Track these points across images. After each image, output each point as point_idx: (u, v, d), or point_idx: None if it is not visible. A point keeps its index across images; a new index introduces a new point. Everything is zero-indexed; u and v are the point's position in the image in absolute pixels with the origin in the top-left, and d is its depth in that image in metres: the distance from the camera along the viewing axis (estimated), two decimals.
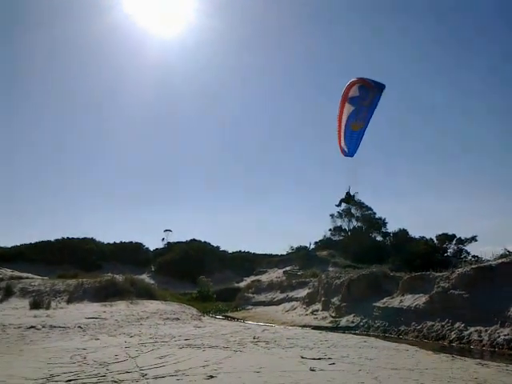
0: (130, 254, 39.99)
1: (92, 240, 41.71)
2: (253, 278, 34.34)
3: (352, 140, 13.32)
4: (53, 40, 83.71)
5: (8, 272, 26.78)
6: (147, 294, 19.74)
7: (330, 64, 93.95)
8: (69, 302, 17.89)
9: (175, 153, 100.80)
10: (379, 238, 43.98)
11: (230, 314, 20.47)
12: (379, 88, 12.63)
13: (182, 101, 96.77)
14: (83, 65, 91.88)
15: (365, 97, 12.86)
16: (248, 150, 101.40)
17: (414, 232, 41.40)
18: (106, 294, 18.63)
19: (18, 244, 39.82)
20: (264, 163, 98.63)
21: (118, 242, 43.33)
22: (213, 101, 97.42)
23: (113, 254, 39.46)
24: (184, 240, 44.20)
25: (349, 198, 15.63)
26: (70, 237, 41.40)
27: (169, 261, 37.51)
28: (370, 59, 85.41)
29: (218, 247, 43.68)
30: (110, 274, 22.62)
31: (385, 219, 43.92)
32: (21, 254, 36.44)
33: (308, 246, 41.83)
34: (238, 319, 18.48)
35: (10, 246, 39.91)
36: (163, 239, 45.75)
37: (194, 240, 43.71)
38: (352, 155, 13.60)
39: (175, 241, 44.98)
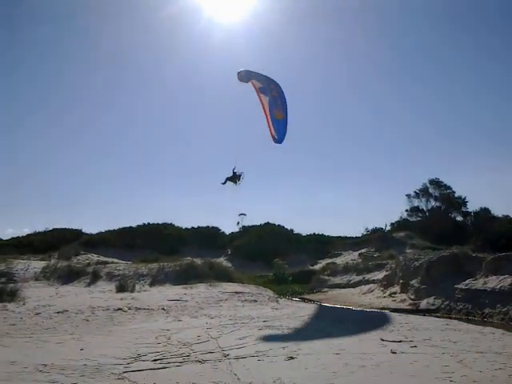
0: (208, 238, 40.96)
1: (171, 225, 43.12)
2: (328, 260, 34.17)
3: (279, 128, 14.35)
4: (119, 30, 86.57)
5: (94, 257, 28.41)
6: (225, 276, 20.23)
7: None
8: (151, 285, 18.71)
9: (248, 137, 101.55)
10: (459, 218, 42.21)
11: (306, 296, 20.57)
12: (263, 78, 14.06)
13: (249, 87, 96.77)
14: (151, 55, 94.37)
15: (268, 87, 14.28)
16: (318, 133, 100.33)
17: (497, 211, 39.53)
18: (186, 277, 19.29)
19: (103, 230, 42.06)
20: (334, 146, 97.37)
21: (195, 226, 44.58)
22: (285, 83, 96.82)
23: (191, 239, 40.60)
24: (258, 224, 44.72)
25: (235, 177, 15.93)
26: (151, 222, 43.19)
27: (244, 244, 38.10)
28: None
29: (291, 230, 43.72)
30: (189, 258, 23.35)
31: (465, 198, 42.06)
32: (105, 240, 38.37)
33: (384, 227, 41.03)
34: (314, 301, 18.55)
35: (95, 232, 42.34)
36: (238, 223, 46.36)
37: (268, 223, 44.01)
38: (280, 142, 14.62)
39: (250, 224, 45.59)
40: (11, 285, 16.31)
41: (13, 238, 43.71)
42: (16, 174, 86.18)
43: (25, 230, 54.94)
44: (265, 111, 14.81)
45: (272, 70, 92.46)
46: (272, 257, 31.64)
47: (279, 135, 14.62)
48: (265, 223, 44.04)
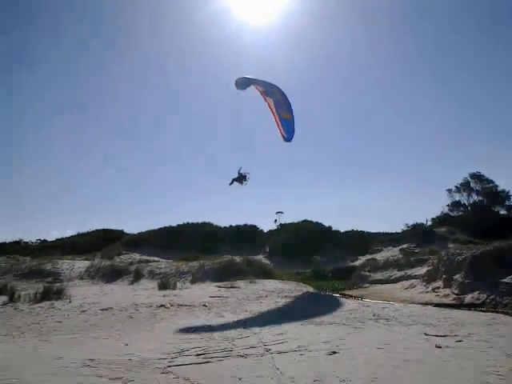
0: (246, 236, 41.08)
1: (210, 224, 43.52)
2: (368, 256, 33.77)
3: (288, 127, 14.98)
4: (154, 32, 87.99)
5: (137, 256, 29.03)
6: (264, 273, 20.28)
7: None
8: (192, 282, 18.93)
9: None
10: (503, 212, 41.02)
11: (346, 292, 20.40)
12: (264, 83, 14.56)
13: (284, 86, 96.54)
14: (184, 58, 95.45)
15: (270, 90, 14.81)
16: (354, 130, 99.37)
17: None
18: (226, 274, 19.45)
19: (144, 230, 42.79)
20: (373, 141, 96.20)
21: (233, 225, 44.87)
22: (315, 84, 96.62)
23: (229, 237, 40.85)
24: (296, 221, 44.58)
25: (240, 178, 16.49)
26: (190, 222, 43.71)
27: (282, 242, 38.04)
28: None
29: (329, 227, 43.40)
30: (228, 256, 23.51)
31: (508, 192, 40.83)
32: (146, 240, 39.05)
33: (424, 222, 40.23)
34: (355, 297, 18.36)
35: (136, 232, 43.12)
36: (275, 221, 46.52)
37: (305, 221, 43.85)
38: (290, 140, 15.29)
39: (287, 222, 45.55)
40: (57, 284, 16.83)
41: (57, 239, 45.18)
42: (58, 178, 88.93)
43: (68, 232, 56.64)
44: (272, 111, 15.31)
45: (301, 69, 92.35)
46: (310, 254, 31.55)
47: (288, 134, 15.16)
48: (302, 220, 43.89)
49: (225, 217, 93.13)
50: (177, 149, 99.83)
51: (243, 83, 14.50)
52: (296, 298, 14.29)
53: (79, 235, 43.44)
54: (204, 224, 43.07)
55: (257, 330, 8.54)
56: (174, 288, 16.76)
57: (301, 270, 28.90)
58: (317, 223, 43.58)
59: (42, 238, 47.81)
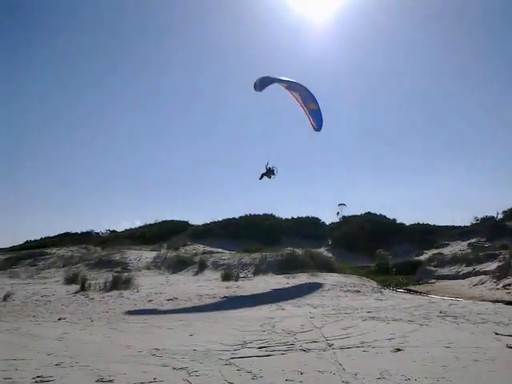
0: (308, 229, 40.99)
1: (272, 216, 43.75)
2: (434, 250, 32.75)
3: (317, 117, 15.62)
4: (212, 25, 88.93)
5: (201, 247, 29.61)
6: (326, 266, 20.13)
7: None
8: (255, 274, 19.11)
9: (345, 128, 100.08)
10: None
11: (411, 288, 19.90)
12: (283, 80, 15.23)
13: (343, 81, 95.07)
14: (242, 51, 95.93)
15: (292, 85, 15.53)
16: (419, 121, 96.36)
17: None
18: (288, 266, 19.47)
19: (208, 222, 43.66)
20: (439, 134, 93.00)
21: (295, 217, 44.80)
22: (378, 78, 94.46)
23: (291, 229, 40.87)
24: (359, 213, 43.98)
25: (268, 172, 17.00)
26: (253, 214, 44.13)
27: (345, 234, 37.65)
28: None
29: (394, 220, 42.45)
30: (290, 248, 23.53)
31: None
32: (210, 231, 39.83)
33: (495, 215, 38.52)
34: (420, 293, 17.87)
35: (201, 223, 44.06)
36: (338, 213, 46.09)
37: (369, 213, 43.15)
38: (319, 130, 15.85)
39: (350, 214, 45.01)
40: (126, 273, 17.48)
41: (126, 229, 46.95)
42: (127, 172, 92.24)
43: (137, 223, 58.73)
44: (300, 104, 15.78)
45: (359, 65, 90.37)
46: (374, 247, 31.03)
47: (317, 124, 15.76)
48: (365, 213, 43.26)
49: (287, 209, 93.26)
50: (238, 141, 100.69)
51: (262, 84, 14.76)
52: (358, 293, 14.10)
53: (147, 226, 44.89)
54: (266, 216, 43.35)
55: (319, 324, 8.50)
56: (236, 279, 16.99)
57: (364, 264, 28.46)
58: (380, 216, 42.78)
59: (111, 229, 49.93)
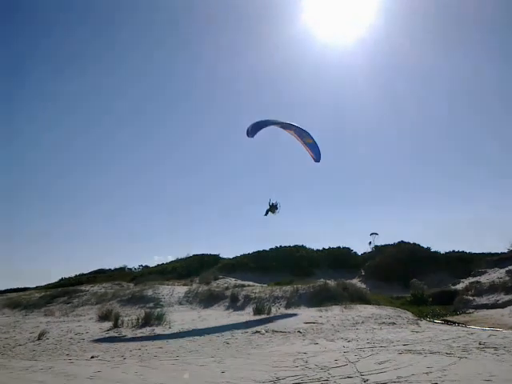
0: (340, 259, 40.48)
1: (303, 247, 43.43)
2: (471, 279, 31.78)
3: (314, 149, 16.65)
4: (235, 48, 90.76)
5: (232, 281, 29.51)
6: (360, 298, 19.77)
7: None
8: (287, 307, 18.88)
9: (375, 154, 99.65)
10: None
11: (448, 318, 19.30)
12: (274, 122, 16.34)
13: (369, 102, 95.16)
14: (269, 78, 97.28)
15: (285, 124, 16.57)
16: (449, 146, 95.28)
17: None
18: (320, 299, 19.20)
19: (238, 255, 43.62)
20: (473, 159, 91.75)
21: (326, 247, 44.35)
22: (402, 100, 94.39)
23: (323, 260, 40.42)
24: (392, 242, 43.25)
25: (272, 208, 17.77)
26: (283, 245, 43.87)
27: (378, 264, 36.97)
28: None
29: (428, 248, 41.52)
30: (322, 280, 23.24)
31: None
32: (240, 264, 39.75)
33: None
34: (458, 323, 17.31)
35: (231, 257, 44.06)
36: (370, 243, 45.50)
37: (402, 242, 42.37)
38: (319, 160, 17.01)
39: (382, 244, 44.32)
40: (158, 309, 17.51)
41: (158, 264, 47.31)
42: (159, 209, 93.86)
43: (168, 257, 59.19)
44: (297, 139, 16.82)
45: (385, 84, 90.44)
46: (408, 277, 30.38)
47: (316, 155, 16.76)
48: (398, 242, 42.46)
49: (318, 239, 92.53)
50: (270, 173, 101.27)
51: (254, 130, 15.67)
52: (394, 325, 13.76)
53: (178, 260, 45.12)
54: (297, 247, 43.06)
55: (353, 358, 8.30)
56: (268, 313, 16.80)
57: (399, 295, 27.80)
58: (414, 244, 41.91)
59: (144, 264, 50.37)
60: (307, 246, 43.94)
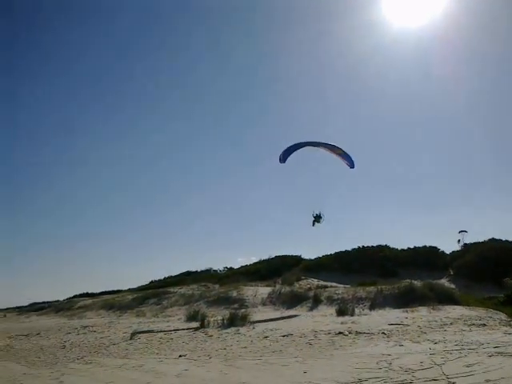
0: (426, 259, 38.97)
1: (386, 247, 42.33)
2: None
3: (347, 158, 17.47)
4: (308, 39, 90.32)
5: (314, 282, 29.49)
6: (448, 298, 19.02)
7: None
8: (371, 308, 18.60)
9: (461, 148, 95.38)
10: None
11: None
12: (302, 144, 17.41)
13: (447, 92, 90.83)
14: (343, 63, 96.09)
15: (312, 143, 17.72)
16: None
17: None
18: (406, 300, 18.71)
19: (320, 255, 43.41)
20: None
21: (411, 247, 42.95)
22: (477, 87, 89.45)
23: (408, 260, 39.11)
24: (482, 240, 41.10)
25: (317, 218, 18.31)
26: (366, 245, 43.08)
27: (467, 263, 35.24)
28: None
29: None
30: (407, 280, 22.65)
31: None
32: (323, 265, 39.50)
33: None
34: None
35: (313, 257, 43.93)
36: (459, 241, 43.50)
37: (493, 239, 40.15)
38: (353, 167, 17.80)
39: (472, 241, 42.22)
40: (242, 310, 17.93)
41: (242, 266, 48.23)
42: (242, 212, 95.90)
43: (252, 259, 60.16)
44: (330, 152, 17.68)
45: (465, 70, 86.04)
46: (502, 276, 28.77)
47: (350, 163, 17.60)
48: (489, 239, 40.29)
49: (401, 238, 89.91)
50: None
51: (284, 157, 17.10)
52: (484, 326, 13.17)
53: (261, 262, 45.67)
54: (380, 247, 42.07)
55: (440, 360, 8.09)
56: (352, 314, 16.68)
57: (491, 295, 26.40)
58: (507, 241, 39.60)
59: (228, 266, 51.55)
60: (391, 246, 42.88)
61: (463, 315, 15.36)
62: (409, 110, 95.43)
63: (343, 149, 17.77)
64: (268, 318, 17.19)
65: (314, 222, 18.65)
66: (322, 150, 17.72)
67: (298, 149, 17.15)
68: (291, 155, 17.31)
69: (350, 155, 17.82)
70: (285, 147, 17.37)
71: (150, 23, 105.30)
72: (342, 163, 18.03)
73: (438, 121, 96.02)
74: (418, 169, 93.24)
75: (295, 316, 17.72)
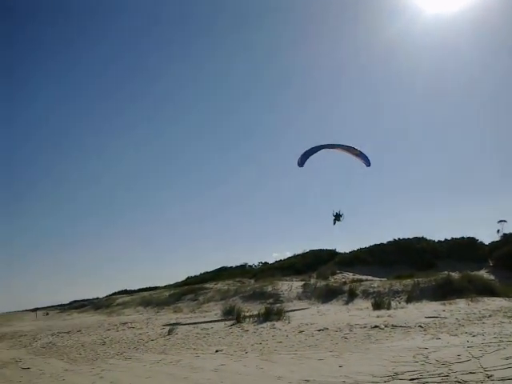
0: (464, 250, 38.13)
1: (423, 239, 41.63)
2: None
3: (363, 157, 17.49)
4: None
5: (350, 275, 29.38)
6: (487, 290, 18.66)
7: None
8: (407, 301, 18.41)
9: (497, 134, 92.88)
10: None
11: None
12: (318, 148, 17.32)
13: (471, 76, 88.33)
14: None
15: (328, 146, 17.66)
16: None
17: None
18: (443, 292, 18.46)
19: (355, 249, 43.07)
20: None
21: (448, 238, 42.12)
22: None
23: (445, 251, 38.42)
24: None
25: (337, 217, 18.25)
26: (401, 238, 42.49)
27: (507, 254, 34.33)
28: None
29: None
30: (445, 272, 22.32)
31: None
32: (358, 258, 39.18)
33: None
34: None
35: (348, 251, 43.61)
36: (498, 231, 42.42)
37: None
38: (369, 165, 17.75)
39: None
40: (278, 305, 18.02)
41: (276, 261, 48.34)
42: (277, 207, 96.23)
43: (286, 253, 60.29)
44: (347, 153, 17.82)
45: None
46: None
47: (366, 161, 17.65)
48: None
49: (438, 230, 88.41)
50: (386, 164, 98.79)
51: (302, 161, 17.24)
52: None
53: (296, 256, 45.67)
54: (416, 239, 41.40)
55: (477, 353, 7.98)
56: (388, 308, 16.55)
57: None
58: None
59: (263, 261, 51.80)
60: (428, 238, 42.13)
61: (502, 307, 15.05)
62: (443, 95, 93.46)
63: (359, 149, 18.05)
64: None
65: (334, 220, 18.80)
66: (338, 151, 17.94)
67: (315, 152, 17.39)
68: (310, 158, 17.51)
69: (366, 154, 17.93)
70: (302, 151, 17.66)
71: (150, 24, 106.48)
72: (359, 162, 18.10)
73: (475, 106, 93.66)
74: (455, 158, 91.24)
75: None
